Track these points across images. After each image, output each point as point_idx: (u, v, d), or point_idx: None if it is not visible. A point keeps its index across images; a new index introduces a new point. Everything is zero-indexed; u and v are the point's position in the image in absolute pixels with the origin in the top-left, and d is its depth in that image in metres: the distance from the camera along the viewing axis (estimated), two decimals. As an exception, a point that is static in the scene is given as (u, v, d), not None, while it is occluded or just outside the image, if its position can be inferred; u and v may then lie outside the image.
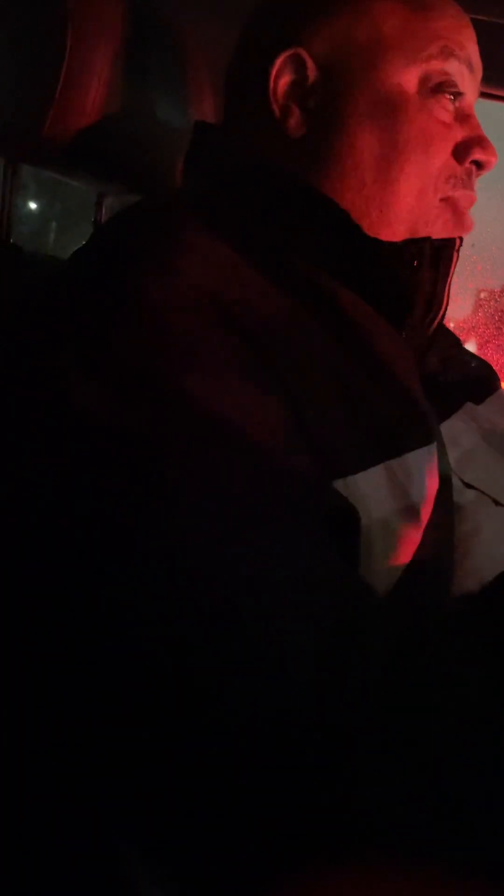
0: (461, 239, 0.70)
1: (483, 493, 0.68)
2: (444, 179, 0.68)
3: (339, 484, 0.56)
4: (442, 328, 0.76)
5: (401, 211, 0.67)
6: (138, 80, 0.80)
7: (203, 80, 0.88)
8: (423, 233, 0.68)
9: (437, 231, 0.69)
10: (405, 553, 0.59)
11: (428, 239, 0.67)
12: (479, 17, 0.74)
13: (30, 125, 0.77)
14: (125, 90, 0.78)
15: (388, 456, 0.59)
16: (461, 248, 0.71)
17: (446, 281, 0.69)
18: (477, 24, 0.72)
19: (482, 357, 0.83)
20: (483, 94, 0.87)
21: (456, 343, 0.80)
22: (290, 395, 0.56)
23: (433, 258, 0.67)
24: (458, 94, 0.69)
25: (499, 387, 0.79)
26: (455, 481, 0.66)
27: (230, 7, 0.81)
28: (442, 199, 0.69)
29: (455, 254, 0.69)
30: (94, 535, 0.49)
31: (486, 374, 0.80)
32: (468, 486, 0.67)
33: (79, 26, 0.75)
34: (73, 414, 0.51)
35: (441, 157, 0.68)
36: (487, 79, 0.74)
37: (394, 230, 0.67)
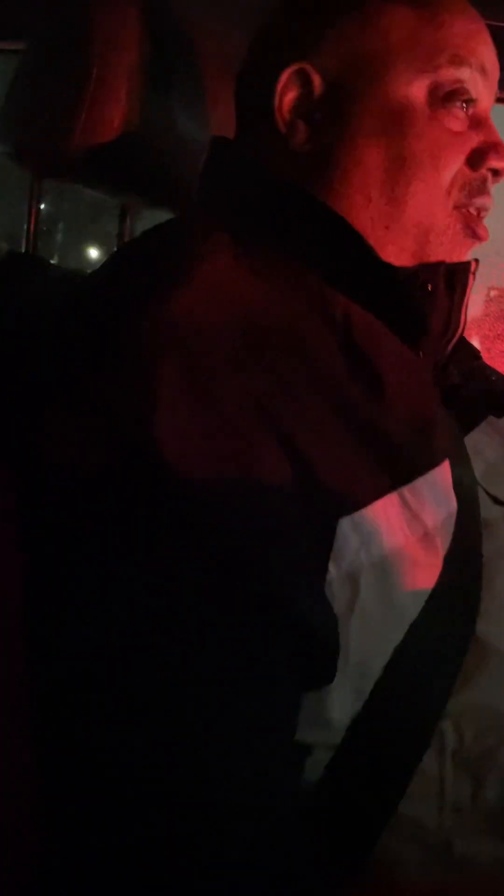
0: (476, 261, 0.69)
1: None
2: (458, 189, 0.67)
3: (346, 521, 0.55)
4: (463, 345, 0.75)
5: (408, 226, 0.66)
6: (160, 96, 0.81)
7: (224, 95, 0.89)
8: (434, 243, 0.67)
9: (448, 241, 0.67)
10: (425, 582, 0.58)
11: (442, 263, 0.66)
12: (494, 23, 0.72)
13: (57, 141, 0.78)
14: (147, 106, 0.79)
15: (399, 483, 0.58)
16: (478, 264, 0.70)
17: (462, 303, 0.68)
18: (492, 30, 0.69)
19: (486, 349, 0.82)
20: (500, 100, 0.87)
21: (476, 355, 0.80)
22: (291, 438, 0.54)
23: (448, 281, 0.67)
24: (470, 101, 0.67)
25: None
26: (482, 496, 0.65)
27: (249, 21, 0.82)
28: (455, 208, 0.67)
29: (471, 276, 0.68)
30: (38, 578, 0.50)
31: None
32: (496, 501, 0.66)
33: (102, 46, 0.76)
34: (43, 455, 0.52)
35: (452, 167, 0.66)
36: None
37: (401, 245, 0.66)
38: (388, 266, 0.65)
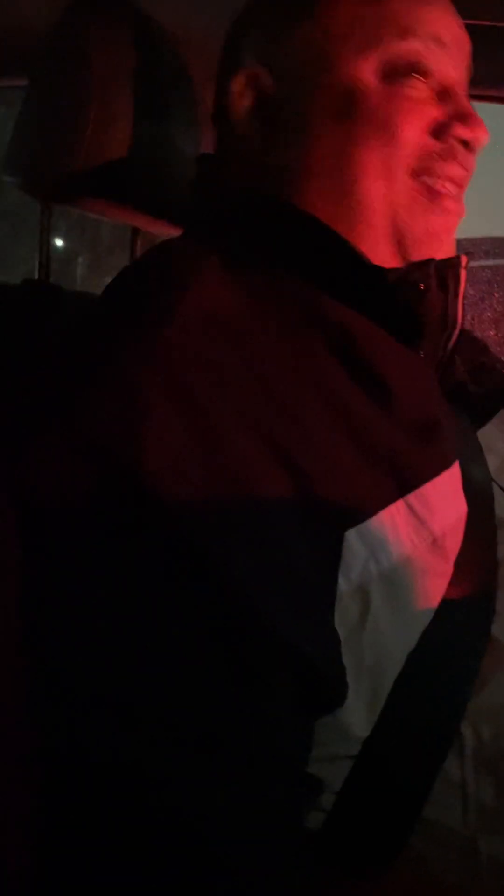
0: (467, 256, 0.67)
1: None
2: (416, 157, 0.64)
3: (352, 533, 0.54)
4: (467, 337, 0.74)
5: (373, 202, 0.64)
6: (162, 118, 0.83)
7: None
8: (405, 219, 0.65)
9: (418, 216, 0.65)
10: (436, 589, 0.57)
11: (431, 260, 0.65)
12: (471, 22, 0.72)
13: (63, 168, 0.80)
14: (150, 129, 0.81)
15: (404, 491, 0.57)
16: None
17: (457, 299, 0.66)
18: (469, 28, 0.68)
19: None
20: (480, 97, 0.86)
21: (484, 350, 0.78)
22: (289, 454, 0.53)
23: (440, 279, 0.65)
24: (428, 73, 0.64)
25: None
26: (497, 493, 0.64)
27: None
28: (414, 177, 0.64)
29: (462, 270, 0.66)
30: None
31: None
32: None
33: (101, 72, 0.78)
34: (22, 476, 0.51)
35: (408, 136, 0.63)
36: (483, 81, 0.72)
37: (376, 231, 0.64)
38: (378, 269, 0.64)
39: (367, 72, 0.64)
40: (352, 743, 0.55)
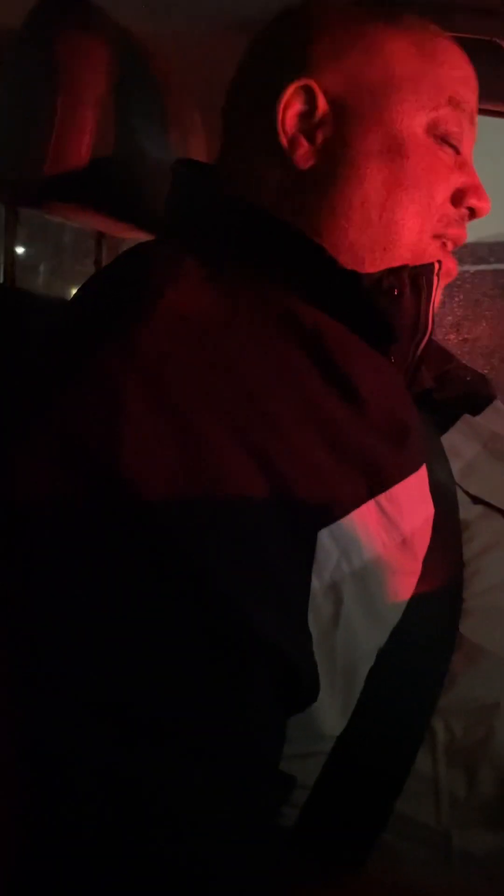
0: (440, 263, 0.70)
1: (490, 505, 0.67)
2: (438, 218, 0.69)
3: (325, 533, 0.54)
4: (434, 346, 0.76)
5: (403, 247, 0.68)
6: (129, 123, 0.83)
7: (190, 120, 0.91)
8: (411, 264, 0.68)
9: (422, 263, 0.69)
10: (405, 587, 0.58)
11: (405, 267, 0.68)
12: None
13: (29, 172, 0.80)
14: (117, 133, 0.81)
15: (375, 492, 0.58)
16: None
17: (429, 305, 0.69)
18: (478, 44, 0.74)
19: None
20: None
21: (449, 358, 0.81)
22: (264, 454, 0.54)
23: (413, 285, 0.68)
24: (460, 144, 0.70)
25: (495, 397, 0.79)
26: (461, 496, 0.66)
27: (218, 45, 0.84)
28: (434, 237, 0.70)
29: (435, 278, 0.69)
30: None
31: (482, 386, 0.80)
32: (475, 500, 0.66)
33: (67, 75, 0.78)
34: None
35: (441, 196, 0.69)
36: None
37: (388, 263, 0.68)
38: (353, 273, 0.65)
39: (420, 125, 0.68)
40: (324, 740, 0.56)
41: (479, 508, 0.67)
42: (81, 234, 1.01)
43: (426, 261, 0.69)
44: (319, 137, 0.68)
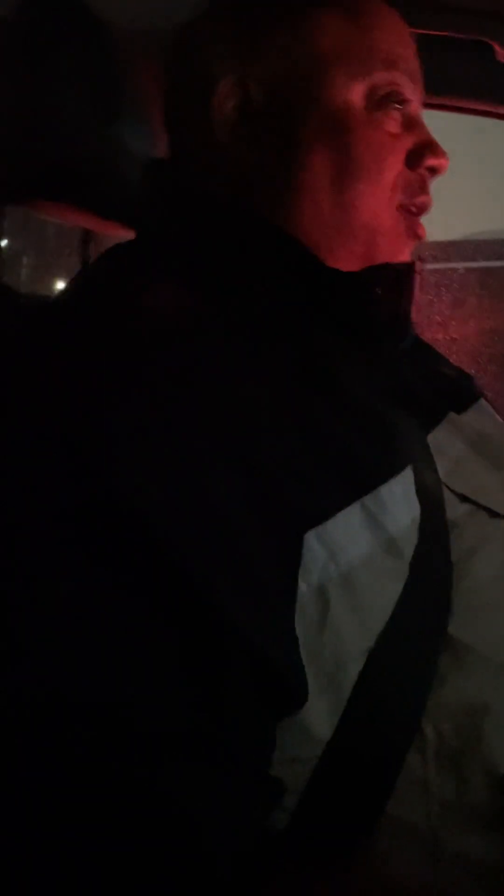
0: (420, 261, 0.70)
1: (477, 504, 0.66)
2: (401, 189, 0.68)
3: (311, 535, 0.54)
4: (419, 344, 0.76)
5: (357, 230, 0.67)
6: (112, 119, 0.82)
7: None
8: (381, 246, 0.68)
9: (394, 242, 0.68)
10: (393, 588, 0.58)
11: (387, 265, 0.67)
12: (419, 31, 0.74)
13: (11, 168, 0.79)
14: (99, 129, 0.81)
15: (360, 493, 0.58)
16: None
17: (410, 303, 0.69)
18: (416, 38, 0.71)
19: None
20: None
21: (435, 357, 0.80)
22: (248, 455, 0.54)
23: (394, 283, 0.67)
24: (403, 103, 0.68)
25: (480, 395, 0.79)
26: (448, 495, 0.66)
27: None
28: (398, 209, 0.68)
29: (416, 276, 0.69)
30: None
31: (467, 385, 0.79)
32: (462, 498, 0.66)
33: (49, 71, 0.78)
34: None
35: (394, 168, 0.67)
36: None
37: (351, 250, 0.67)
38: (333, 271, 0.65)
39: (357, 96, 0.67)
40: (314, 745, 0.55)
41: (466, 507, 0.66)
42: (66, 228, 1.00)
43: (393, 238, 0.68)
44: (259, 130, 0.67)
